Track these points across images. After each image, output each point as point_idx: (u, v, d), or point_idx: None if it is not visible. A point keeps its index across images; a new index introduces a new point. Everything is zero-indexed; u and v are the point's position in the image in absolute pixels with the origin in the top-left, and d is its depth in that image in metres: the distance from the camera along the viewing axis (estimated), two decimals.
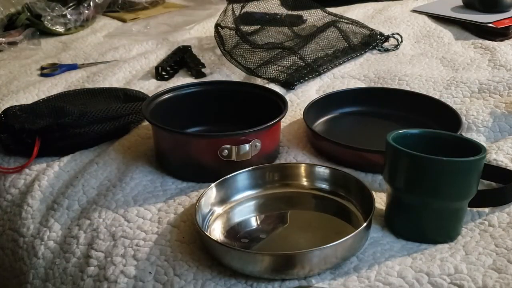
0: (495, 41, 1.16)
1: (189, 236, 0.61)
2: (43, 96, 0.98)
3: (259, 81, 1.01)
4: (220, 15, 1.16)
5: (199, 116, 0.83)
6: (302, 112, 0.83)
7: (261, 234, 0.62)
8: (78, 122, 0.79)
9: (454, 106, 0.85)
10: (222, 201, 0.66)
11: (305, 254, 0.53)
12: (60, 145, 0.80)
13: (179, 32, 1.36)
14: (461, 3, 1.35)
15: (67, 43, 1.35)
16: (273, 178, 0.69)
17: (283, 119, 0.75)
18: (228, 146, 0.68)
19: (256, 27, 1.22)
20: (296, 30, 1.22)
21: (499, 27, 1.20)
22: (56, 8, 1.41)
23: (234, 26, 1.11)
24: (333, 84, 1.01)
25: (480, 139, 0.79)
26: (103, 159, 0.77)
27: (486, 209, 0.64)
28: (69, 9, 1.44)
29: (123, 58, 1.21)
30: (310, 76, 1.03)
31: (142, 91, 0.99)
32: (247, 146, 0.69)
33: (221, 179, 0.66)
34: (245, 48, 1.08)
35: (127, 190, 0.70)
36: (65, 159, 0.78)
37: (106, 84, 1.05)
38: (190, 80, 1.06)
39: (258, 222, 0.65)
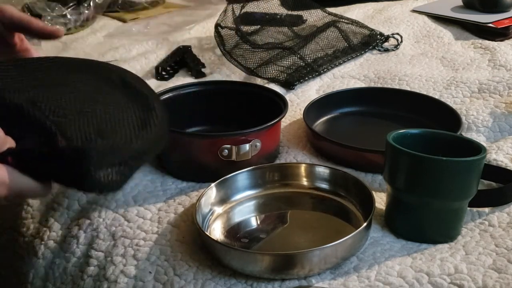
0: (495, 41, 1.16)
1: (189, 236, 0.61)
2: None
3: (259, 81, 1.01)
4: (220, 15, 1.16)
5: (199, 116, 0.83)
6: (302, 112, 0.83)
7: (261, 234, 0.61)
8: None
9: (454, 106, 0.85)
10: (222, 201, 0.66)
11: (305, 254, 0.53)
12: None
13: (179, 32, 1.36)
14: (461, 3, 1.35)
15: (67, 43, 1.34)
16: (273, 178, 0.69)
17: (283, 119, 0.75)
18: (228, 146, 0.68)
19: (256, 27, 1.22)
20: (296, 30, 1.22)
21: (499, 27, 1.20)
22: (56, 8, 1.41)
23: (234, 26, 1.12)
24: (333, 84, 1.01)
25: (480, 139, 0.79)
26: None
27: (486, 209, 0.64)
28: (69, 9, 1.44)
29: (123, 58, 1.21)
30: (310, 76, 1.03)
31: None
32: (247, 146, 0.69)
33: (221, 179, 0.66)
34: (245, 48, 1.08)
35: (127, 189, 0.70)
36: None
37: None
38: (190, 80, 1.06)
39: (258, 222, 0.65)
